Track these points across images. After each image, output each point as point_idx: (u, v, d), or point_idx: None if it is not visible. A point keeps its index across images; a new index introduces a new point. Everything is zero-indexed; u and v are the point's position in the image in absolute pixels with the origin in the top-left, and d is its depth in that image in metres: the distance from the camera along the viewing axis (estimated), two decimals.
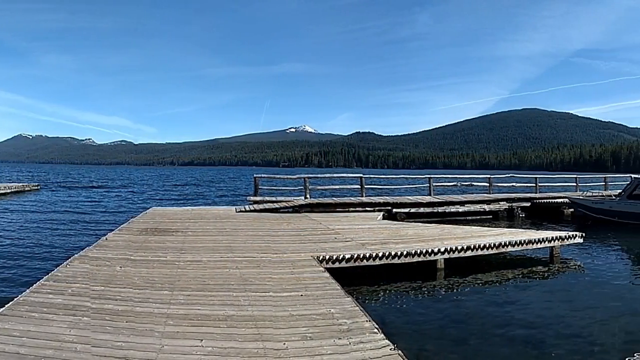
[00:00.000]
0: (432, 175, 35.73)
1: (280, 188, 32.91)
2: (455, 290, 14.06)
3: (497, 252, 16.64)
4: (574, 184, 42.35)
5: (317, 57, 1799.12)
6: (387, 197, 32.20)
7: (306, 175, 31.47)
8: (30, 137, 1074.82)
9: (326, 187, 35.42)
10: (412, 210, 28.71)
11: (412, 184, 37.86)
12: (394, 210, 28.14)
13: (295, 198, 29.54)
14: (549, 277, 16.09)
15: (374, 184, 36.70)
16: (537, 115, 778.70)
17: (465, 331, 10.62)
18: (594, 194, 34.51)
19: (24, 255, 18.43)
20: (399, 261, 14.63)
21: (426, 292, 13.84)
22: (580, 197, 32.23)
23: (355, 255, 14.05)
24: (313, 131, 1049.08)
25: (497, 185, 37.29)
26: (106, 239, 16.31)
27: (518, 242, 16.93)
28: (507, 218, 31.07)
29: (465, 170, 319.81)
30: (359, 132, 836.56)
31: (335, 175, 37.16)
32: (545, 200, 33.60)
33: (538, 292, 14.28)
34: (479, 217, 30.13)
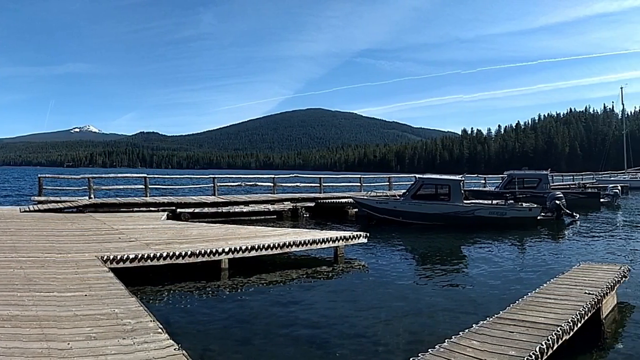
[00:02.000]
0: (216, 175, 35.78)
1: (64, 188, 31.98)
2: (239, 290, 14.11)
3: (281, 252, 16.80)
4: (359, 184, 43.18)
5: (101, 57, 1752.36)
6: (171, 197, 31.96)
7: (90, 175, 30.82)
8: None
9: (110, 187, 34.81)
10: (197, 210, 28.62)
11: (197, 184, 38.20)
12: (178, 210, 27.96)
13: (79, 198, 28.74)
14: (333, 277, 16.31)
15: (158, 184, 36.29)
16: (321, 115, 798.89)
17: (250, 331, 10.65)
18: (378, 194, 35.35)
19: None
20: (183, 261, 14.55)
21: (210, 292, 13.86)
22: (365, 197, 32.88)
23: (140, 255, 13.87)
24: (97, 131, 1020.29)
25: (282, 185, 37.89)
26: None
27: (302, 242, 17.14)
28: (291, 218, 31.42)
29: (249, 170, 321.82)
30: (143, 132, 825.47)
31: (119, 175, 36.99)
32: (329, 200, 34.24)
33: (322, 292, 14.45)
34: (263, 217, 30.28)
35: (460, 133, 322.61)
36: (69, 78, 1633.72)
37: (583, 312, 9.21)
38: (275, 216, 31.13)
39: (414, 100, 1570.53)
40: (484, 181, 59.01)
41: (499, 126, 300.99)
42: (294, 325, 11.00)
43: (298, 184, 39.23)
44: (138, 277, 13.67)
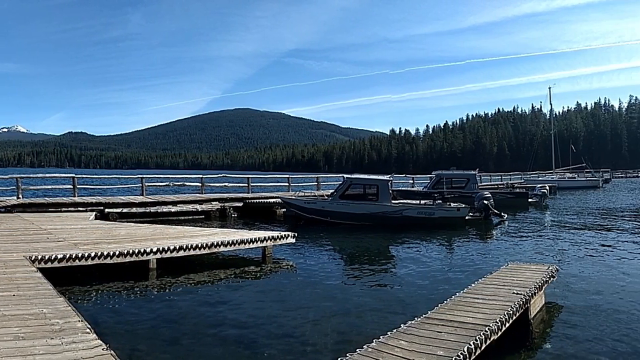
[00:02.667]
0: (144, 175, 35.85)
1: None
2: (168, 290, 14.10)
3: (209, 252, 16.85)
4: (287, 184, 43.42)
5: (29, 57, 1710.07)
6: (99, 197, 31.83)
7: (18, 175, 30.45)
8: None
9: (39, 187, 34.64)
10: (125, 210, 28.47)
11: (125, 184, 37.85)
12: (107, 210, 27.75)
13: (7, 198, 28.43)
14: (261, 277, 16.32)
15: (87, 184, 36.15)
16: (249, 115, 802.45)
17: (178, 331, 10.67)
18: (306, 194, 35.33)
19: None
20: (112, 261, 14.52)
21: (139, 292, 13.82)
22: (293, 197, 32.82)
23: (68, 255, 13.79)
24: (25, 131, 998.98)
25: (210, 185, 37.91)
26: None
27: (230, 242, 17.20)
28: (219, 218, 31.40)
29: (177, 171, 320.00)
30: (72, 132, 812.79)
31: (47, 175, 36.65)
32: (257, 200, 34.28)
33: (250, 292, 14.43)
34: (191, 217, 30.29)
35: (388, 133, 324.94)
36: None
37: (511, 312, 9.29)
38: (203, 216, 31.12)
39: (342, 100, 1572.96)
40: (412, 181, 59.54)
41: (427, 126, 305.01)
42: (222, 325, 11.01)
43: (226, 184, 39.27)
44: (66, 277, 13.61)
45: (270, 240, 18.45)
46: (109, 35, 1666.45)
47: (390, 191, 30.68)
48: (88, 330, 7.73)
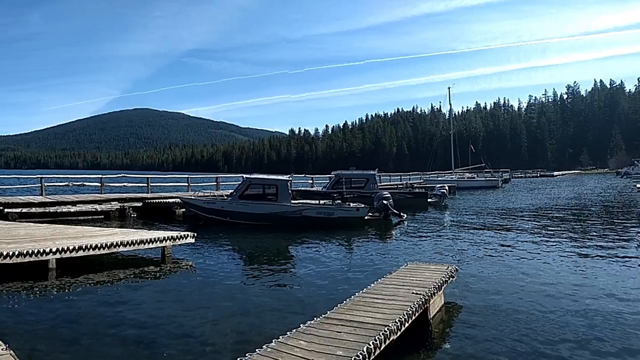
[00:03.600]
0: (43, 175, 35.38)
1: None
2: (67, 291, 14.03)
3: (109, 252, 16.82)
4: (186, 184, 43.16)
5: None
6: None
7: None
8: None
9: None
10: (24, 210, 28.11)
11: (24, 184, 37.60)
12: (6, 210, 27.40)
13: None
14: (160, 277, 16.28)
15: None
16: (149, 115, 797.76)
17: (77, 331, 10.64)
18: (205, 194, 35.38)
19: None
20: (11, 261, 14.44)
21: (38, 293, 13.74)
22: (192, 197, 32.78)
23: None
24: None
25: (109, 185, 37.78)
26: None
27: (130, 242, 17.21)
28: (119, 218, 31.25)
29: (77, 170, 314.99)
30: None
31: None
32: (157, 200, 34.21)
33: (150, 292, 14.41)
34: (91, 217, 30.02)
35: (287, 133, 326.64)
36: None
37: (410, 312, 9.37)
38: (102, 216, 30.94)
39: (241, 100, 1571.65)
40: (311, 181, 59.59)
41: (327, 126, 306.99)
42: (121, 326, 11.01)
43: (125, 184, 39.12)
44: None
45: (170, 240, 18.52)
46: (6, 35, 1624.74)
47: (290, 191, 30.75)
48: None
